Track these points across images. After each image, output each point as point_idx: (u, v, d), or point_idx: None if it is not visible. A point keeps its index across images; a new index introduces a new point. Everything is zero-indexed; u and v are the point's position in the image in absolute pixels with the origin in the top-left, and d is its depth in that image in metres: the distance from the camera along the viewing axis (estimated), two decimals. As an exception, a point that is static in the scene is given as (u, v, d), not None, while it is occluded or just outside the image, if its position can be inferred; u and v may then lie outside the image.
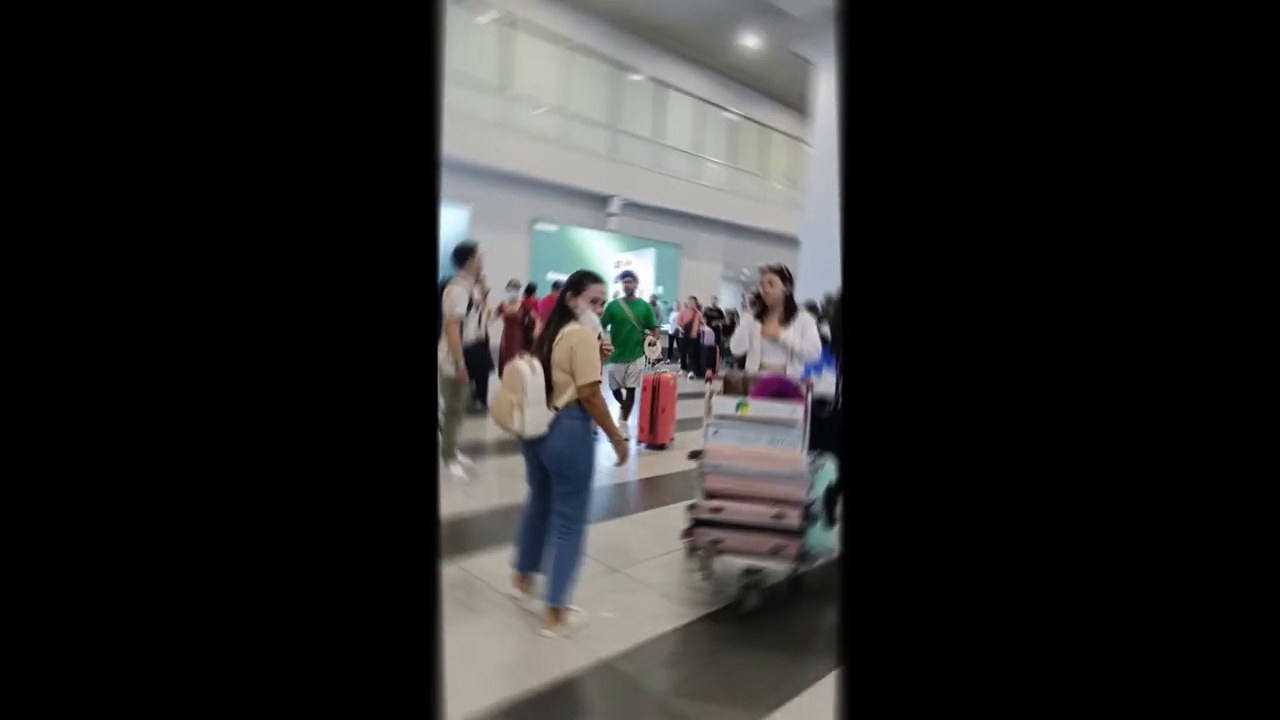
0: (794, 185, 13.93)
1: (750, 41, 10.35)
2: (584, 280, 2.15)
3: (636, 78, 11.01)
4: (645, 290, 10.35)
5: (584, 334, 2.04)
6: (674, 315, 10.72)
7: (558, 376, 2.02)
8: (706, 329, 9.78)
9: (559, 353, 2.02)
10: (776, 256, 14.59)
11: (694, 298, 10.10)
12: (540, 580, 2.18)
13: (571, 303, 2.11)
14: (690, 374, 9.45)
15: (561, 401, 2.02)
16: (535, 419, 1.99)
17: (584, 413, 2.04)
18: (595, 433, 2.08)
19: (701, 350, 9.63)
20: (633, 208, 10.60)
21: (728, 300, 12.50)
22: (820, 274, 9.62)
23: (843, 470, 0.46)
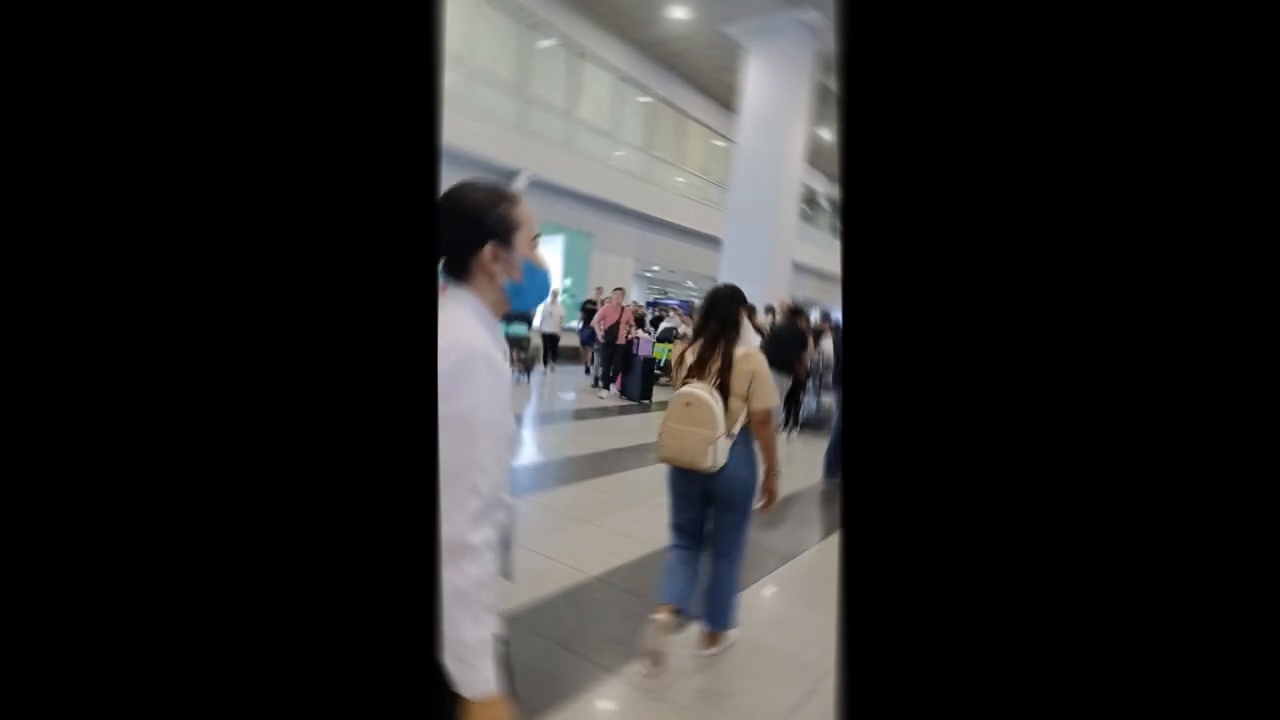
0: (710, 180, 13.33)
1: (679, 13, 9.46)
2: (742, 296, 2.02)
3: (549, 42, 9.81)
4: (553, 283, 9.11)
5: (760, 358, 1.96)
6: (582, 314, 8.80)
7: (733, 404, 1.91)
8: (642, 335, 7.63)
9: (738, 379, 1.91)
10: (694, 255, 13.91)
11: (620, 290, 7.86)
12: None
13: (740, 321, 1.98)
14: (609, 390, 7.43)
15: (737, 428, 1.92)
16: (724, 450, 1.89)
17: (748, 437, 1.96)
18: None
19: (635, 364, 7.38)
20: (542, 187, 9.41)
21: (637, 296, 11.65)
22: (742, 279, 9.07)
23: (843, 470, 0.46)
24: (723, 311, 1.96)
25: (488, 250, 0.83)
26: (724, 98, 11.84)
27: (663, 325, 8.56)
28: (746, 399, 1.90)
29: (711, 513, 1.98)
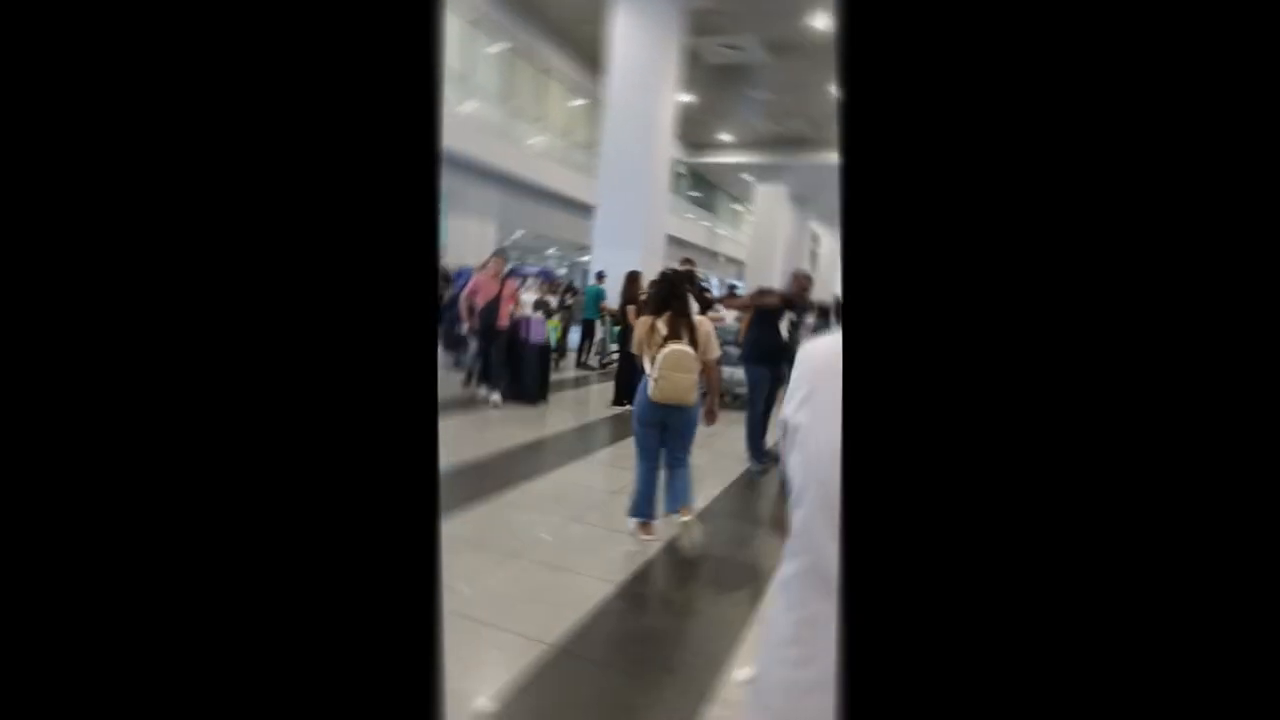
0: (572, 142, 12.66)
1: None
2: (687, 278, 3.27)
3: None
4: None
5: (708, 322, 2.90)
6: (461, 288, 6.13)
7: (698, 356, 2.77)
8: (534, 315, 6.07)
9: (701, 338, 2.76)
10: (562, 223, 13.25)
11: (500, 257, 5.98)
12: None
13: (687, 294, 2.89)
14: (486, 390, 5.68)
15: (696, 376, 2.80)
16: (697, 388, 2.81)
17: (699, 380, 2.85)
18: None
19: (526, 350, 5.84)
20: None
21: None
22: (617, 247, 8.74)
23: (843, 470, 0.46)
24: (681, 292, 2.85)
25: None
26: (588, 52, 11.17)
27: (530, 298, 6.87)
28: (704, 352, 2.79)
29: (666, 436, 2.87)
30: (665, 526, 2.98)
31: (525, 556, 2.68)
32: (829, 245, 24.16)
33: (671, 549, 2.89)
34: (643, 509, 2.93)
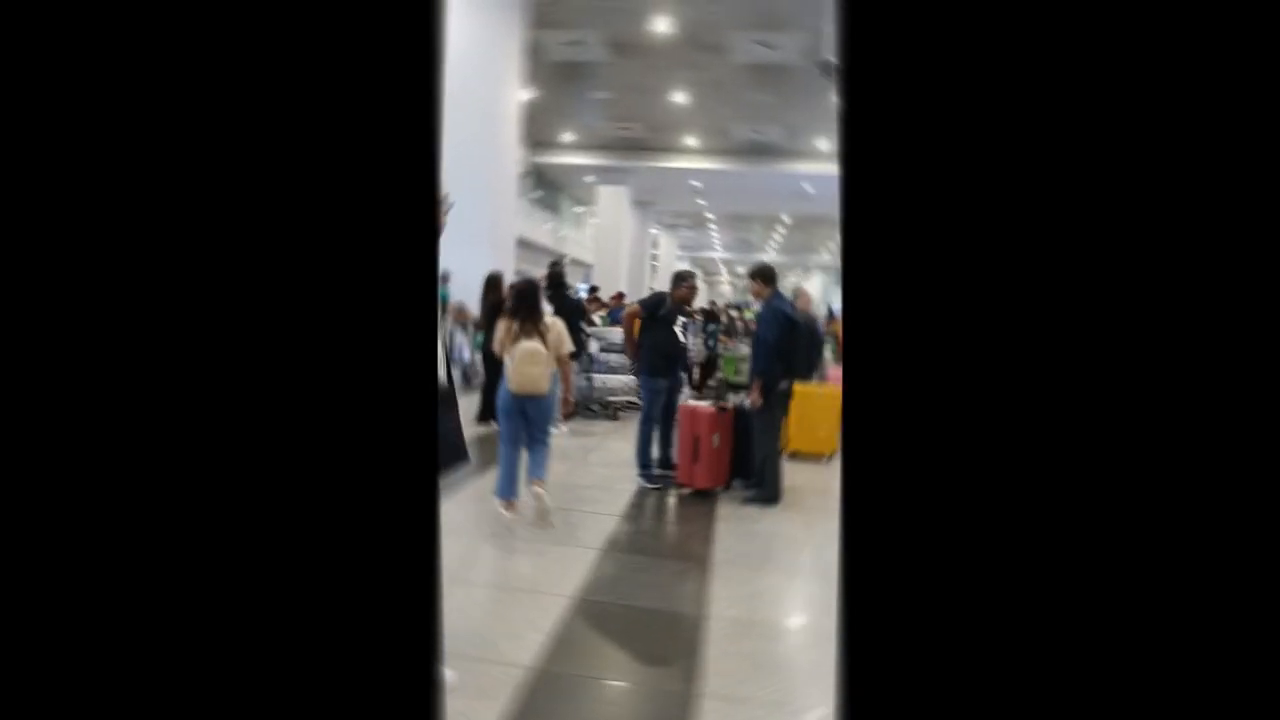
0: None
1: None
2: (538, 286, 3.70)
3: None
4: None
5: (560, 322, 3.43)
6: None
7: (550, 352, 3.25)
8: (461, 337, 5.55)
9: (552, 336, 3.26)
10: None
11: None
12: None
13: (541, 301, 3.48)
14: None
15: (552, 367, 3.32)
16: (550, 380, 3.33)
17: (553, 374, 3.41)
18: None
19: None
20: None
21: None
22: (466, 245, 7.97)
23: (843, 470, 0.46)
24: (530, 300, 3.36)
25: None
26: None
27: None
28: (556, 349, 3.27)
29: (527, 422, 3.35)
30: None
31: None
32: (666, 249, 24.87)
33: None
34: (505, 489, 3.37)
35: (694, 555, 3.25)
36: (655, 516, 4.00)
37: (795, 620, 2.76)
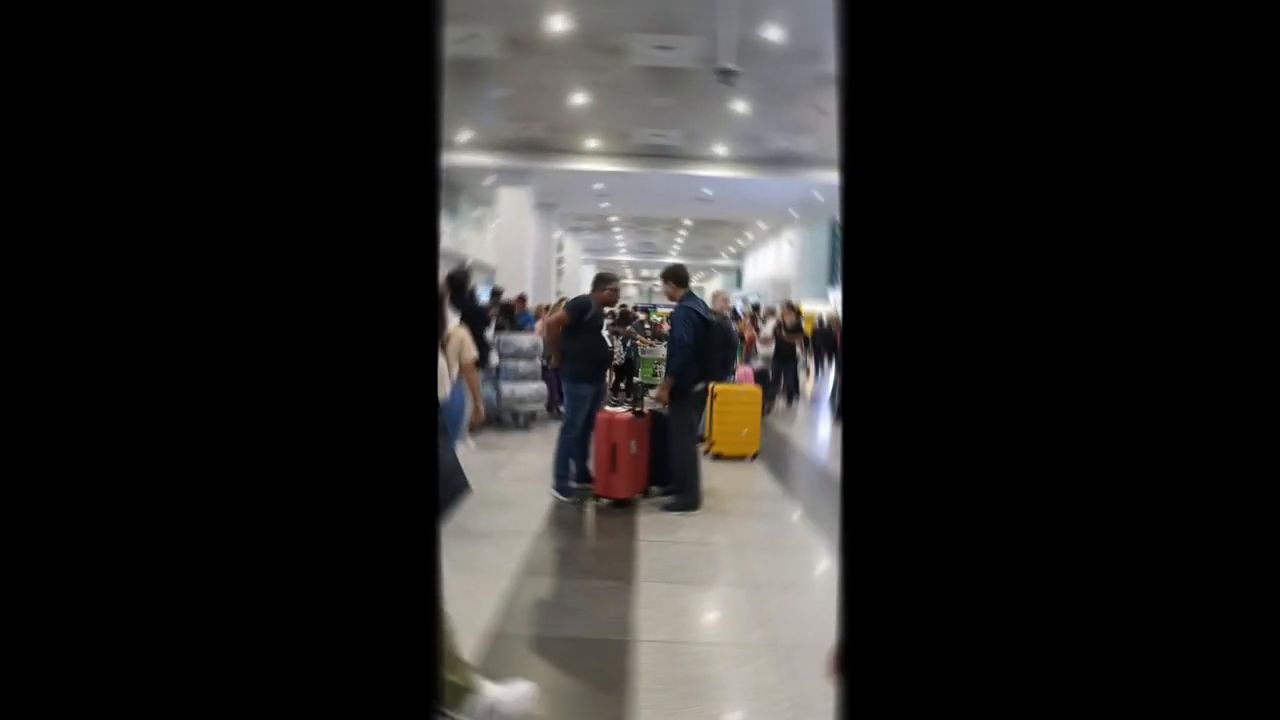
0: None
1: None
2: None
3: None
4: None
5: (462, 331, 3.37)
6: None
7: (450, 360, 3.12)
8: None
9: (452, 345, 3.19)
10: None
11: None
12: None
13: (443, 310, 3.12)
14: None
15: (455, 374, 3.20)
16: (449, 388, 3.08)
17: (461, 383, 3.33)
18: None
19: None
20: None
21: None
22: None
23: (843, 470, 0.46)
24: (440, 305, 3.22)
25: None
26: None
27: None
28: (459, 357, 3.22)
29: None
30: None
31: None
32: (572, 252, 24.62)
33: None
34: None
35: (615, 573, 3.08)
36: (572, 532, 3.79)
37: (724, 636, 2.65)
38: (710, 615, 2.82)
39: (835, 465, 5.39)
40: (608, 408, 4.18)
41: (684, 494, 4.01)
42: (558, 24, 9.72)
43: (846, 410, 0.47)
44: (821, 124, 11.79)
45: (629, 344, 4.78)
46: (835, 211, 19.54)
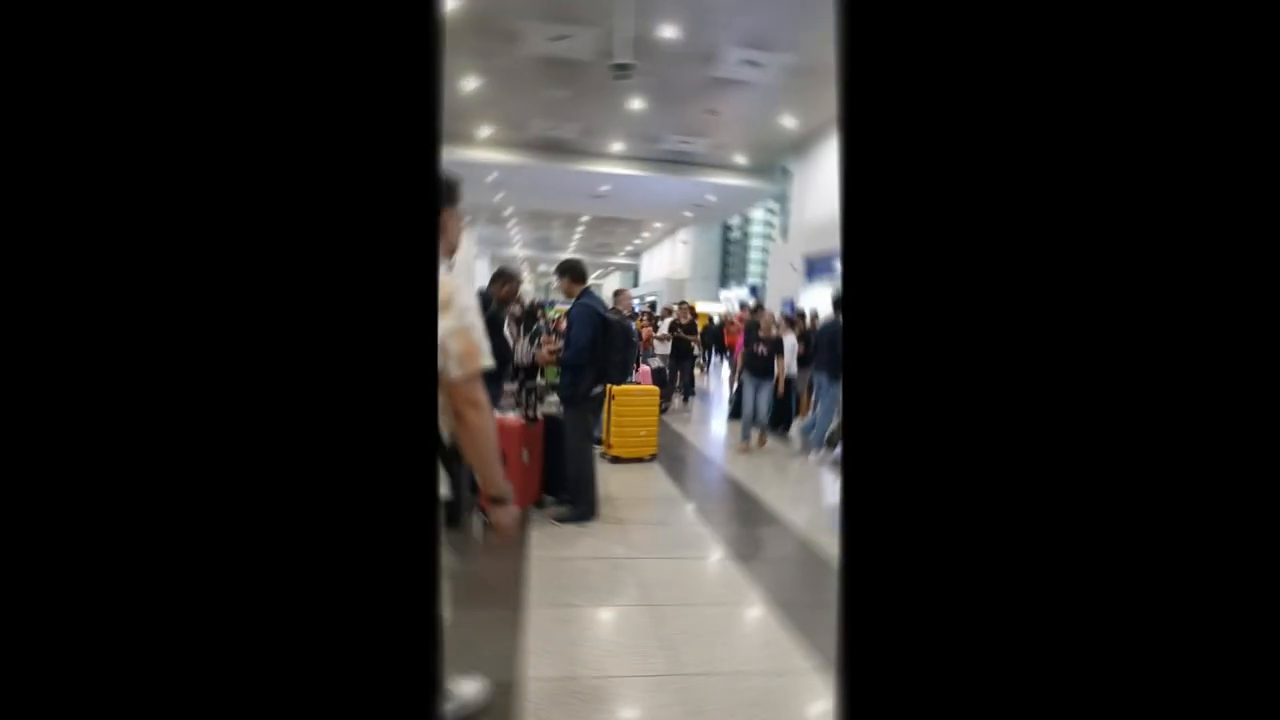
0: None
1: None
2: None
3: None
4: None
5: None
6: None
7: None
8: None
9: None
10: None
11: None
12: None
13: None
14: None
15: None
16: None
17: None
18: None
19: None
20: None
21: None
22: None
23: (843, 470, 0.45)
24: None
25: None
26: None
27: None
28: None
29: None
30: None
31: None
32: (465, 246, 23.65)
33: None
34: None
35: (502, 600, 2.80)
36: (456, 554, 3.45)
37: (622, 666, 2.44)
38: (607, 643, 2.61)
39: (731, 467, 5.38)
40: (498, 414, 3.86)
41: (579, 504, 3.78)
42: (448, 1, 9.14)
43: (847, 414, 0.48)
44: (715, 126, 11.93)
45: (536, 343, 4.45)
46: (726, 214, 20.02)
